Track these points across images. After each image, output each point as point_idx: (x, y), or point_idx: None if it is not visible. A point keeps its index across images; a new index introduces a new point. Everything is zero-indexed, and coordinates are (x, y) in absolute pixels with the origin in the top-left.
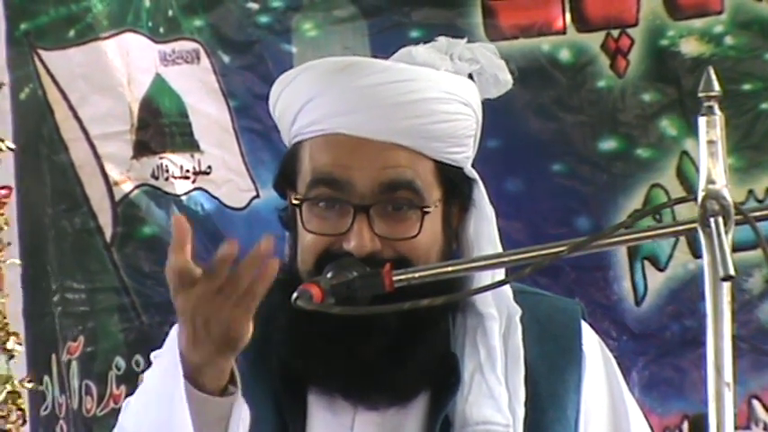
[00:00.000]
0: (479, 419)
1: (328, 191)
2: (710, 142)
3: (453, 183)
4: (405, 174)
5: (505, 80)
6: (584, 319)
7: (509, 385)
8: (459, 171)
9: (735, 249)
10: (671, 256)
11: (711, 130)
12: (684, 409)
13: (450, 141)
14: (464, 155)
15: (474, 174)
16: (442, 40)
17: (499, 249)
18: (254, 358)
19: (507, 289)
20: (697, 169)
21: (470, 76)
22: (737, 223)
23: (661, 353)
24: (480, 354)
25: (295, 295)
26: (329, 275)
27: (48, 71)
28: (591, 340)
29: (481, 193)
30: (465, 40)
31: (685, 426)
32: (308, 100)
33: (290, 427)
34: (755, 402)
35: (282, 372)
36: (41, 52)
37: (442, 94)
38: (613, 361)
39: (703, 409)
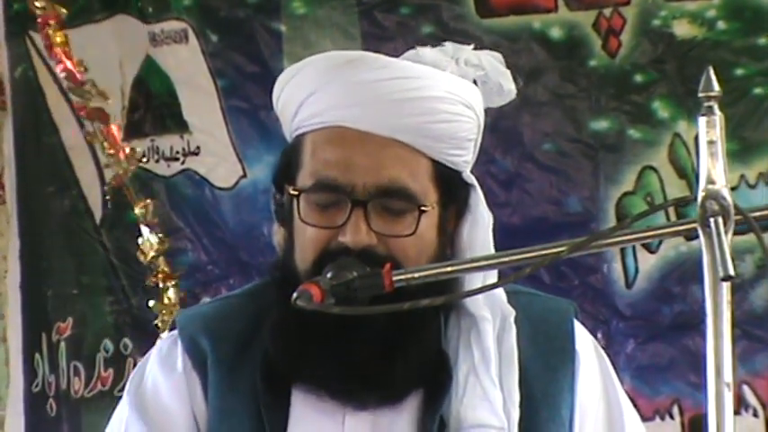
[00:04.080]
0: (474, 422)
1: (328, 194)
2: (710, 142)
3: (450, 186)
4: (401, 179)
5: (509, 89)
6: (578, 319)
7: (503, 387)
8: (456, 174)
9: None
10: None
11: (711, 129)
12: (674, 393)
13: (451, 143)
14: (463, 158)
15: (472, 179)
16: (448, 45)
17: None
18: (234, 360)
19: (500, 291)
20: (689, 152)
21: (474, 83)
22: (737, 223)
23: (651, 336)
24: (474, 355)
25: (295, 295)
26: (329, 275)
27: (39, 54)
28: (584, 340)
29: (478, 199)
30: (471, 46)
31: (675, 409)
32: (311, 93)
33: (267, 427)
34: (746, 388)
35: (266, 371)
36: (33, 35)
37: (446, 93)
38: (607, 360)
39: (694, 394)
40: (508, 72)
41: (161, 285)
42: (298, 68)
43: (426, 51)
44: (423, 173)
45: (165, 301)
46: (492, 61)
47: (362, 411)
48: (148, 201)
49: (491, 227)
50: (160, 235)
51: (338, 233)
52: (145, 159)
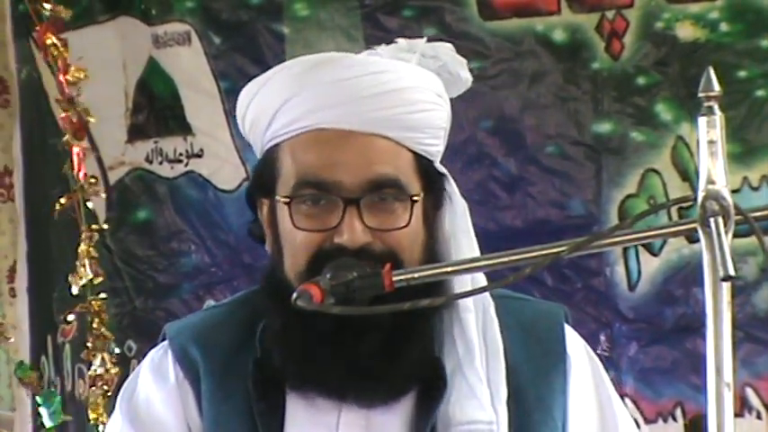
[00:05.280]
0: (463, 419)
1: (316, 192)
2: (711, 142)
3: (429, 176)
4: (390, 172)
5: (466, 78)
6: (569, 323)
7: (490, 382)
8: (432, 165)
9: None
10: (665, 242)
11: (711, 129)
12: (677, 396)
13: (428, 132)
14: (437, 148)
15: (443, 169)
16: (401, 41)
17: (475, 242)
18: (225, 369)
19: (482, 279)
20: (692, 154)
21: None
22: (737, 223)
23: (654, 338)
24: (459, 350)
25: (295, 295)
26: (328, 276)
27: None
28: (575, 343)
29: (453, 188)
30: (425, 39)
31: (678, 412)
32: (286, 100)
33: (262, 430)
34: (749, 390)
35: (258, 377)
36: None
37: (417, 83)
38: (599, 363)
39: (697, 397)
40: (464, 61)
41: (93, 324)
42: (264, 79)
43: (384, 48)
44: (406, 165)
45: (98, 365)
46: (448, 51)
47: (357, 412)
48: (95, 233)
49: (468, 214)
50: (90, 277)
51: (331, 235)
52: (148, 161)
